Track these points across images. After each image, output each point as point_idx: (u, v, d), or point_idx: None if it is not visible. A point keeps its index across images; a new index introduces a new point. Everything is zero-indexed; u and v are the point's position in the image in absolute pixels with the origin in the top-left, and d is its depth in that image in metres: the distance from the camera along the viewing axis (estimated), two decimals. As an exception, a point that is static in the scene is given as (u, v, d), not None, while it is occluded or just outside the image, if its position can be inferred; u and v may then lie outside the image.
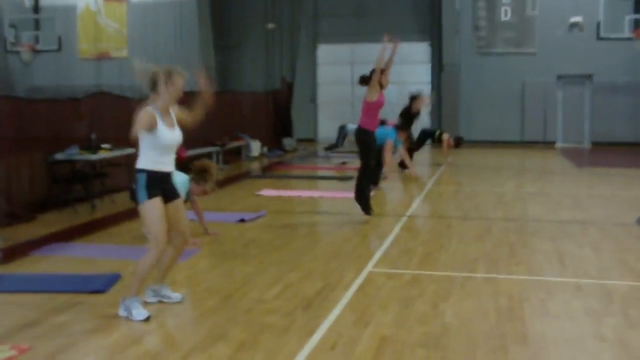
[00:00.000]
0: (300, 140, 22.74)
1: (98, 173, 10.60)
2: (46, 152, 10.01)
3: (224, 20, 25.20)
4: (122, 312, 5.28)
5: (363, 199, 9.21)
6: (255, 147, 18.24)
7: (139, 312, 5.23)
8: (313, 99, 25.05)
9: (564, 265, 6.98)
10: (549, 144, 22.79)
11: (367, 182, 9.25)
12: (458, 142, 16.98)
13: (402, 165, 14.29)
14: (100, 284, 6.06)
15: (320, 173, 15.40)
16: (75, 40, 25.77)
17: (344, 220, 9.47)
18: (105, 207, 10.30)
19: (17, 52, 23.51)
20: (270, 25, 23.99)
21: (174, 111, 5.57)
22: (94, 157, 10.00)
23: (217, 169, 8.30)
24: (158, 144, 5.33)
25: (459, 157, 18.97)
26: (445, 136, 16.61)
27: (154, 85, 5.43)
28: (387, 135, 13.07)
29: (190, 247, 7.18)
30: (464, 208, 10.52)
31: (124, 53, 25.68)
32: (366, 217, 9.32)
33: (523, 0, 23.12)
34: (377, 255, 7.38)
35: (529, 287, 6.20)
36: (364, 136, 9.14)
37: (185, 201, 7.65)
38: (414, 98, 14.56)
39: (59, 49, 23.60)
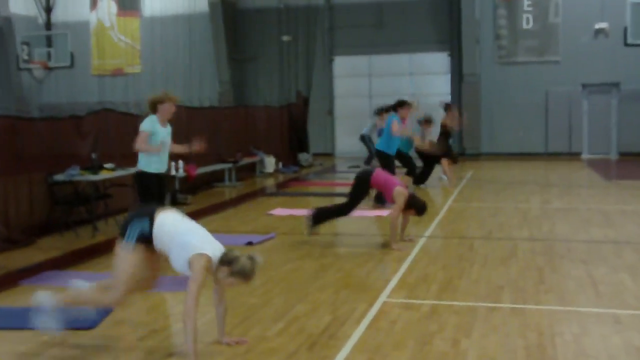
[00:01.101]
0: (317, 155, 22.18)
1: (101, 194, 10.11)
2: (47, 172, 9.54)
3: (238, 34, 24.80)
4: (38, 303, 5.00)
5: (319, 220, 8.85)
6: (270, 163, 17.71)
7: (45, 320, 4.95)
8: (330, 112, 24.51)
9: (599, 293, 6.34)
10: (574, 155, 22.02)
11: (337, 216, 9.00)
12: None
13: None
14: (88, 321, 5.52)
15: (336, 189, 14.79)
16: (89, 57, 25.50)
17: (358, 242, 8.89)
18: (108, 229, 9.79)
19: (29, 70, 23.26)
20: (286, 37, 23.55)
21: None
22: (94, 177, 9.51)
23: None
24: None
25: (481, 171, 18.32)
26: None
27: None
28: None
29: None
30: (486, 227, 9.88)
31: (137, 69, 25.37)
32: (381, 239, 8.74)
33: (545, 7, 22.46)
34: (393, 282, 6.79)
35: (561, 320, 5.57)
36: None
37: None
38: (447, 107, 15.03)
39: (72, 65, 23.30)
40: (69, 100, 24.66)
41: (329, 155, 24.07)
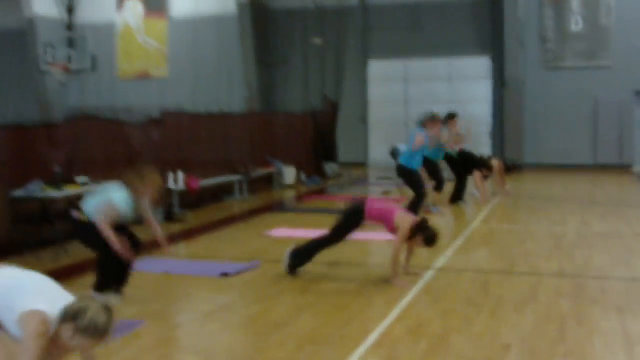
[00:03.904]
0: (348, 165, 20.89)
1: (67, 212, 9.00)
2: (7, 188, 8.51)
3: (268, 36, 23.69)
4: None
5: (300, 261, 7.43)
6: (289, 174, 16.46)
7: None
8: (363, 119, 23.19)
9: (634, 358, 4.92)
10: (625, 168, 20.21)
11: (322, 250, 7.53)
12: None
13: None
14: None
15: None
16: (114, 60, 24.77)
17: (352, 275, 7.58)
18: (77, 252, 8.68)
19: (50, 73, 22.59)
20: (317, 40, 22.35)
21: None
22: (56, 194, 8.43)
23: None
24: None
25: (520, 185, 16.79)
26: (495, 162, 14.14)
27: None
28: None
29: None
30: (510, 257, 8.45)
31: (164, 72, 24.53)
32: (382, 271, 7.45)
33: (596, 8, 20.71)
34: (375, 335, 5.48)
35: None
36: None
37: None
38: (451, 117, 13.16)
39: (93, 68, 22.55)
40: (96, 105, 23.96)
41: (362, 165, 22.73)
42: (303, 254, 7.41)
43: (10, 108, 22.63)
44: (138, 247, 6.62)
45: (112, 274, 6.56)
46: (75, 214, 6.50)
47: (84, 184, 8.89)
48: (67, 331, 3.44)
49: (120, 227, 6.52)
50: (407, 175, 10.85)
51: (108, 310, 3.49)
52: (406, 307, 6.31)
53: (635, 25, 20.13)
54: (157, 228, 6.70)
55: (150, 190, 6.46)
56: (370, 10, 22.83)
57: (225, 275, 7.49)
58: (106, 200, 6.30)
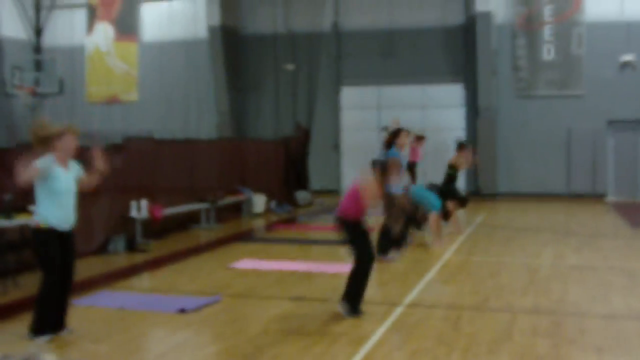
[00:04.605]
0: (320, 193, 20.54)
1: (18, 243, 8.52)
2: (-46, 216, 8.03)
3: (239, 62, 23.38)
4: None
5: (357, 297, 6.94)
6: (259, 202, 16.05)
7: None
8: (336, 146, 22.90)
9: (615, 410, 4.58)
10: (598, 197, 20.12)
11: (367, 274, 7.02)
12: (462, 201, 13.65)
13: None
14: None
15: (320, 236, 13.01)
16: (83, 83, 24.29)
17: (318, 312, 7.17)
18: (28, 285, 8.19)
19: (16, 96, 22.06)
20: (290, 66, 22.11)
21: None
22: (4, 223, 7.95)
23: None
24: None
25: (494, 214, 16.57)
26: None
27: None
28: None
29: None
30: (483, 291, 8.11)
31: (133, 97, 24.09)
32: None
33: (568, 37, 20.74)
34: (337, 380, 5.08)
35: None
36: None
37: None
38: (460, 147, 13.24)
39: (61, 91, 22.05)
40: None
41: (334, 192, 22.38)
42: (356, 295, 6.90)
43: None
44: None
45: (51, 310, 6.11)
46: (33, 221, 6.17)
47: (37, 213, 8.40)
48: None
49: (65, 264, 6.16)
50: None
51: None
52: (373, 347, 5.93)
53: (607, 54, 20.18)
54: (90, 178, 6.48)
55: (71, 139, 6.15)
56: (343, 36, 22.67)
57: (182, 311, 7.06)
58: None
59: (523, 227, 14.04)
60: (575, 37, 20.68)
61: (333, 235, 11.75)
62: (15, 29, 23.91)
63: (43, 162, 6.03)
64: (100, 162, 6.37)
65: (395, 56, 22.18)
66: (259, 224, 14.82)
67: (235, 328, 6.54)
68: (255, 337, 6.25)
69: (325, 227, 14.07)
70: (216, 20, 22.48)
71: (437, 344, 6.00)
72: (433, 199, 11.39)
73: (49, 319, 6.12)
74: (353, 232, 6.99)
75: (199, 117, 23.23)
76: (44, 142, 6.06)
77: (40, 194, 6.10)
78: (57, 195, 6.09)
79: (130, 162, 11.91)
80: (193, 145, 14.43)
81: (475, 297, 7.81)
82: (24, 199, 8.71)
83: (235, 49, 23.13)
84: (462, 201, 13.41)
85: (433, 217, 11.31)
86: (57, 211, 6.13)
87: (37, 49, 23.20)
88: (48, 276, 6.14)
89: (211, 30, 22.64)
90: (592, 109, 20.42)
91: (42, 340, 6.01)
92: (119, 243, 10.92)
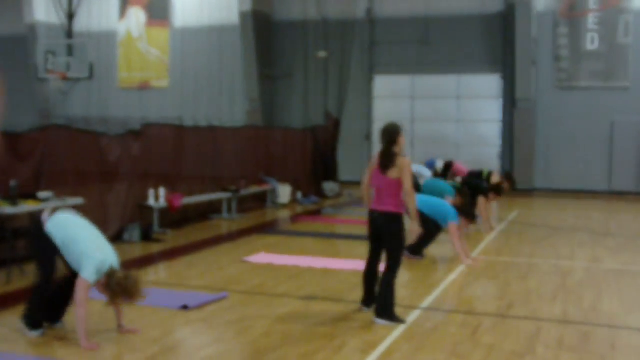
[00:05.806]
0: (350, 184, 20.02)
1: (27, 230, 8.21)
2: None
3: (271, 48, 22.95)
4: None
5: (390, 307, 6.38)
6: (285, 192, 15.62)
7: None
8: (368, 137, 22.37)
9: None
10: (642, 195, 19.28)
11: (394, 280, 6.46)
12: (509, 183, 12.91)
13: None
14: None
15: (345, 229, 12.51)
16: (114, 69, 24.16)
17: (328, 313, 6.70)
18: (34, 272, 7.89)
19: (48, 80, 22.04)
20: (322, 53, 21.61)
21: None
22: (9, 210, 7.65)
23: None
24: None
25: (529, 211, 15.90)
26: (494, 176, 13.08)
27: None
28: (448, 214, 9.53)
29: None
30: (507, 296, 7.56)
31: (164, 83, 23.89)
32: (364, 309, 6.63)
33: (614, 26, 19.85)
34: (336, 396, 4.62)
35: None
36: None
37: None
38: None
39: (91, 77, 21.91)
40: (99, 114, 23.39)
41: (365, 183, 21.84)
42: (392, 305, 6.38)
43: (7, 115, 22.10)
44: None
45: (45, 306, 5.79)
46: (44, 216, 5.79)
47: (46, 200, 8.09)
48: None
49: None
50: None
51: None
52: (382, 355, 5.45)
53: (654, 45, 19.28)
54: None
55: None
56: (377, 23, 22.07)
57: (185, 308, 6.67)
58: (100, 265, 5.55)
59: (558, 226, 13.37)
60: (622, 25, 19.78)
61: (359, 229, 11.37)
62: (49, 13, 23.86)
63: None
64: None
65: (430, 44, 21.52)
66: (283, 215, 14.42)
67: (236, 328, 6.13)
68: (256, 339, 5.83)
69: (351, 220, 13.61)
70: (248, 6, 22.07)
71: (451, 356, 5.50)
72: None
73: (45, 312, 5.83)
74: (398, 227, 6.42)
75: (230, 104, 22.91)
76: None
77: None
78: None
79: (149, 149, 11.60)
80: (217, 133, 14.04)
81: (499, 303, 7.26)
82: (38, 185, 8.45)
83: (266, 35, 22.72)
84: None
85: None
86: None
87: (70, 33, 23.10)
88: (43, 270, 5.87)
89: (242, 16, 22.24)
90: (637, 102, 19.53)
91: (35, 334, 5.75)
92: (135, 232, 10.60)
